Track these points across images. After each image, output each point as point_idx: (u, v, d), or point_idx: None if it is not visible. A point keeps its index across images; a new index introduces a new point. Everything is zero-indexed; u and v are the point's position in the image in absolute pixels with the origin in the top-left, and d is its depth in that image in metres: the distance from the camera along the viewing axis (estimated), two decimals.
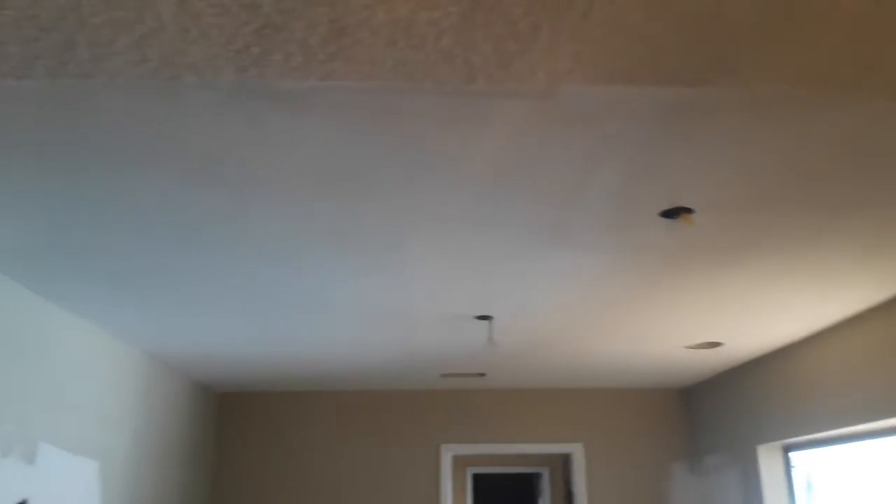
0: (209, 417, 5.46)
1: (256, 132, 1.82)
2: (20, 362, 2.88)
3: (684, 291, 3.15)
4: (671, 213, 2.32)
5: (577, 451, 5.77)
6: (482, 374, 5.23)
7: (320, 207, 2.27)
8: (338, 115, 1.75)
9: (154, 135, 1.83)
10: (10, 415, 2.80)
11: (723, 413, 5.19)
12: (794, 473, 4.54)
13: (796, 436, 4.18)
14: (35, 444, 2.97)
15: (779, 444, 4.55)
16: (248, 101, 1.69)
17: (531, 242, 2.58)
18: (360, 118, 1.77)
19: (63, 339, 3.25)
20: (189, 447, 4.98)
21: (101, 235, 2.45)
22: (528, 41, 1.48)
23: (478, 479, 9.58)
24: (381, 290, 3.10)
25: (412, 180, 2.10)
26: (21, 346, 2.90)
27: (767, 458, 4.61)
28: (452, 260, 2.75)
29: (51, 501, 3.03)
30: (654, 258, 2.74)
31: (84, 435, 3.43)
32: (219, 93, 1.65)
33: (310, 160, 1.97)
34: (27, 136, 1.83)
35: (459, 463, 8.56)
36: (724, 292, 3.17)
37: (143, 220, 2.34)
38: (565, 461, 8.33)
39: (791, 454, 4.56)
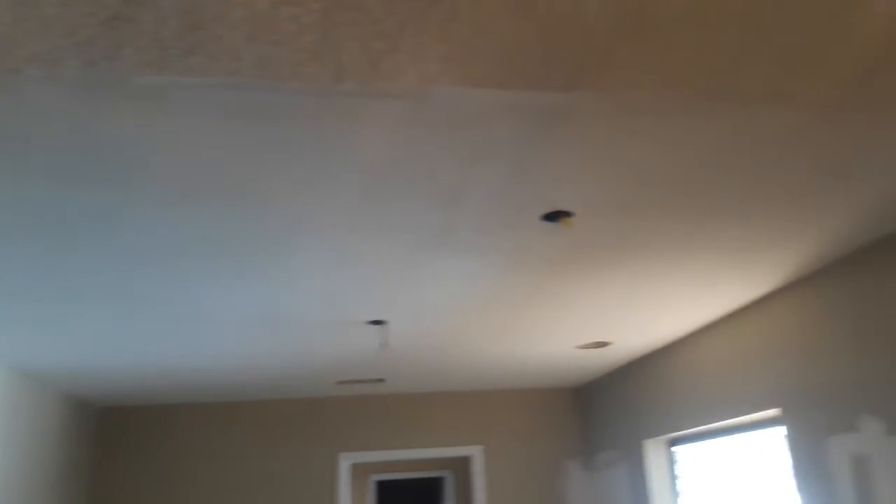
0: (87, 433, 5.13)
1: (116, 130, 1.71)
2: None
3: (570, 293, 3.22)
4: (552, 217, 2.36)
5: (476, 453, 5.81)
6: (381, 380, 5.18)
7: (196, 212, 2.16)
8: (203, 114, 1.67)
9: None
10: None
11: (613, 410, 5.36)
12: (678, 467, 4.74)
13: (679, 430, 4.36)
14: None
15: (663, 438, 4.73)
16: (102, 97, 1.58)
17: (418, 246, 2.57)
18: (227, 118, 1.69)
19: None
20: (64, 465, 4.67)
21: None
22: (395, 41, 1.45)
23: (382, 485, 9.50)
24: (267, 297, 3.00)
25: (291, 184, 2.03)
26: None
27: (653, 453, 4.80)
28: (340, 266, 2.70)
29: None
30: (538, 260, 2.78)
31: None
32: (67, 87, 1.54)
33: (180, 162, 1.87)
34: None
35: (361, 471, 8.46)
36: (608, 293, 3.26)
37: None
38: (467, 463, 8.39)
39: (675, 448, 4.76)
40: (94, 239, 2.32)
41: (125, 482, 5.28)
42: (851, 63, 1.62)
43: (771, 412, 3.56)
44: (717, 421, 3.94)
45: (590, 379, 5.67)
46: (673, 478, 4.76)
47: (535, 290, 3.16)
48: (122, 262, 2.53)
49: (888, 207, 2.48)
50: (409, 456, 5.85)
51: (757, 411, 3.58)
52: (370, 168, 1.98)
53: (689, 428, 4.25)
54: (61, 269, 2.56)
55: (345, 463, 5.61)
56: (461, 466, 9.24)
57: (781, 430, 3.63)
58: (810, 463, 3.17)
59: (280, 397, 5.59)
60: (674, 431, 4.44)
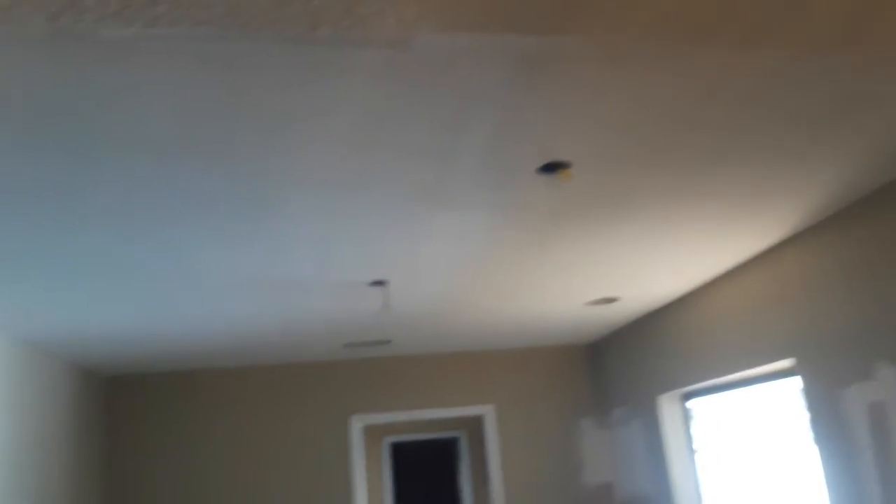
0: (96, 402, 5.18)
1: (84, 88, 1.65)
2: None
3: (574, 248, 3.15)
4: (549, 168, 2.28)
5: (488, 412, 5.82)
6: (387, 342, 5.17)
7: (173, 172, 2.11)
8: (174, 67, 1.60)
9: None
10: None
11: (626, 366, 5.33)
12: (693, 422, 4.71)
13: (692, 384, 4.32)
14: None
15: (678, 393, 4.70)
16: (68, 52, 1.52)
17: (413, 203, 2.50)
18: (201, 70, 1.62)
19: None
20: (74, 434, 4.72)
21: None
22: None
23: (397, 448, 9.59)
24: (262, 259, 2.96)
25: (275, 139, 1.97)
26: None
27: (668, 408, 4.77)
28: (334, 224, 2.65)
29: None
30: (539, 216, 2.71)
31: None
32: (32, 42, 1.47)
33: (153, 118, 1.81)
34: None
35: (375, 433, 8.53)
36: (613, 247, 3.19)
37: None
38: (480, 423, 8.44)
39: (689, 403, 4.73)
40: (71, 206, 2.27)
41: (136, 450, 5.34)
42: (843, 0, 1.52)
43: (785, 363, 3.51)
44: (732, 373, 3.89)
45: (601, 335, 5.64)
46: (688, 433, 4.74)
47: (537, 247, 3.10)
48: (104, 229, 2.49)
49: (894, 151, 2.39)
50: (421, 416, 5.87)
51: (771, 362, 3.53)
52: (354, 121, 1.91)
53: (704, 381, 4.20)
54: (50, 240, 2.52)
55: (357, 425, 5.64)
56: (475, 427, 9.30)
57: (796, 381, 3.58)
58: (826, 413, 3.12)
59: (288, 361, 5.61)
60: (688, 385, 4.40)
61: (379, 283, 3.52)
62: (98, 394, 5.21)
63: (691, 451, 4.71)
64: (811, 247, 3.15)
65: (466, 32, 1.55)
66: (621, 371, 5.42)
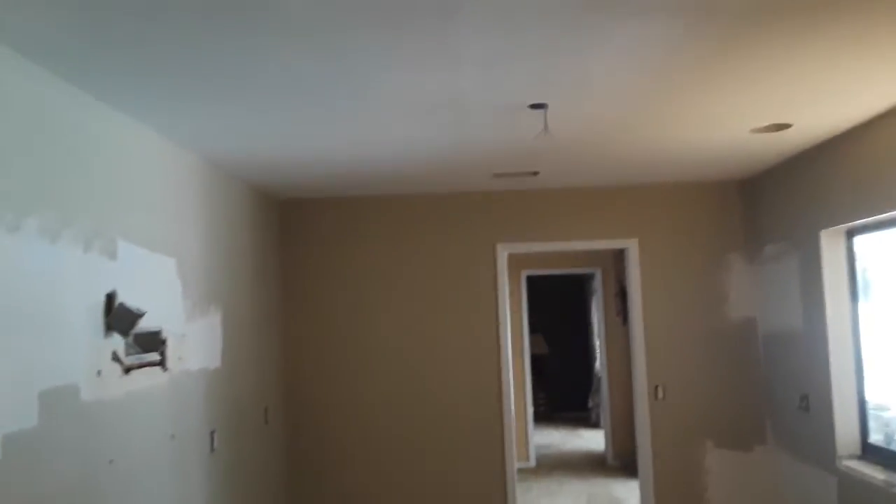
0: (272, 222, 5.66)
1: None
2: (82, 162, 2.95)
3: (757, 63, 2.94)
4: None
5: (632, 246, 5.83)
6: (535, 173, 5.19)
7: None
8: None
9: None
10: (85, 212, 2.91)
11: (784, 201, 5.10)
12: (855, 259, 4.51)
13: (861, 217, 4.09)
14: (114, 242, 3.12)
15: (843, 228, 4.47)
16: None
17: (588, 12, 2.39)
18: None
19: (124, 143, 3.30)
20: (257, 251, 5.22)
21: (144, 24, 2.37)
22: None
23: (532, 281, 9.91)
24: (429, 77, 2.97)
25: None
26: (82, 148, 2.95)
27: (829, 244, 4.57)
28: (507, 39, 2.60)
29: (136, 294, 3.24)
30: (724, 20, 2.52)
31: (158, 235, 3.58)
32: None
33: None
34: None
35: (514, 265, 8.82)
36: (797, 65, 2.96)
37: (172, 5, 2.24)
38: (618, 260, 8.50)
39: (855, 239, 4.50)
40: (258, 16, 2.33)
41: (305, 267, 5.84)
42: None
43: None
44: None
45: (756, 171, 5.38)
46: (850, 271, 4.55)
47: (713, 64, 2.92)
48: (291, 48, 2.56)
49: None
50: (564, 248, 5.99)
51: None
52: None
53: (874, 215, 3.97)
54: (240, 59, 2.64)
55: (502, 253, 5.84)
56: (610, 264, 9.40)
57: None
58: None
59: (440, 191, 5.80)
60: (855, 220, 4.17)
61: (539, 105, 3.49)
62: (273, 215, 5.67)
63: (851, 291, 4.55)
64: None
65: None
66: (779, 206, 5.20)
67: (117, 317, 3.05)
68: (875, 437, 4.38)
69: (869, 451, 4.39)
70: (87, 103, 2.98)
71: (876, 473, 4.10)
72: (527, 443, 9.24)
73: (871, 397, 4.43)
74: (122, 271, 3.16)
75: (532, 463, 9.29)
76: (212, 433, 4.18)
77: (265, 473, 5.24)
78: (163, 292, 3.64)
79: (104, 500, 2.97)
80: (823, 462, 4.63)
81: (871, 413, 4.44)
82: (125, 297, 3.12)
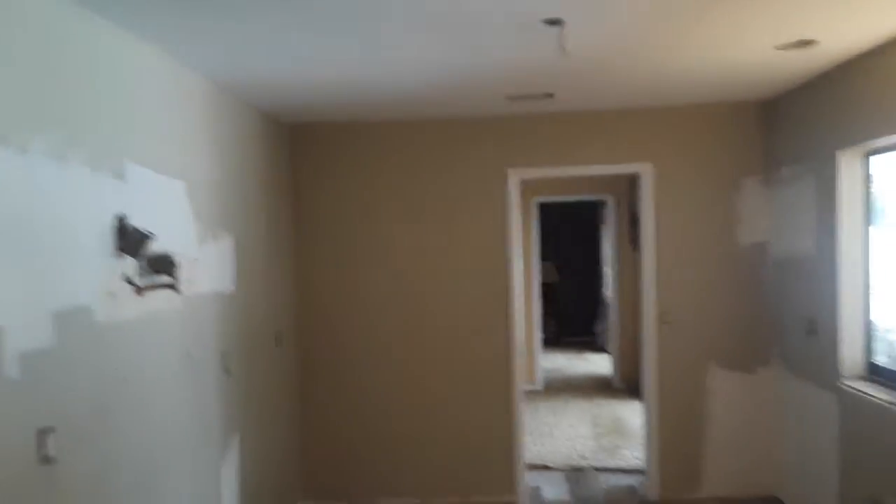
0: (282, 148, 5.59)
1: None
2: (88, 82, 2.89)
3: None
4: None
5: (645, 170, 5.74)
6: (550, 95, 5.07)
7: None
8: None
9: None
10: (92, 133, 2.87)
11: (803, 122, 4.98)
12: (872, 181, 4.42)
13: (881, 136, 3.98)
14: (121, 163, 3.09)
15: (861, 148, 4.37)
16: None
17: None
18: None
19: (131, 63, 3.22)
20: (268, 176, 5.18)
21: None
22: None
23: (544, 210, 9.86)
24: None
25: None
26: (88, 68, 2.88)
27: (847, 164, 4.48)
28: None
29: (145, 215, 3.23)
30: None
31: (167, 157, 3.54)
32: None
33: None
34: None
35: (526, 192, 8.76)
36: None
37: None
38: (631, 186, 8.40)
39: (873, 159, 4.40)
40: None
41: (317, 193, 5.80)
42: None
43: None
44: None
45: (780, 90, 5.23)
46: (866, 193, 4.47)
47: None
48: None
49: None
50: (577, 172, 5.90)
51: None
52: None
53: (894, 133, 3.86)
54: None
55: (513, 178, 5.78)
56: (623, 191, 9.31)
57: None
58: None
59: (451, 115, 5.68)
60: (874, 138, 4.07)
61: (555, 21, 3.36)
62: (282, 141, 5.60)
63: (865, 214, 4.48)
64: None
65: None
66: (798, 127, 5.07)
67: (126, 237, 3.04)
68: (881, 360, 4.41)
69: (874, 372, 4.42)
70: (92, 21, 2.89)
71: (879, 393, 4.14)
72: (534, 367, 9.41)
73: (879, 320, 4.43)
74: (132, 193, 3.13)
75: (539, 386, 9.48)
76: (224, 354, 4.25)
77: (277, 395, 5.36)
78: (174, 216, 3.63)
79: (119, 417, 3.04)
80: (827, 382, 4.67)
81: (878, 336, 4.44)
82: (136, 220, 3.11)
